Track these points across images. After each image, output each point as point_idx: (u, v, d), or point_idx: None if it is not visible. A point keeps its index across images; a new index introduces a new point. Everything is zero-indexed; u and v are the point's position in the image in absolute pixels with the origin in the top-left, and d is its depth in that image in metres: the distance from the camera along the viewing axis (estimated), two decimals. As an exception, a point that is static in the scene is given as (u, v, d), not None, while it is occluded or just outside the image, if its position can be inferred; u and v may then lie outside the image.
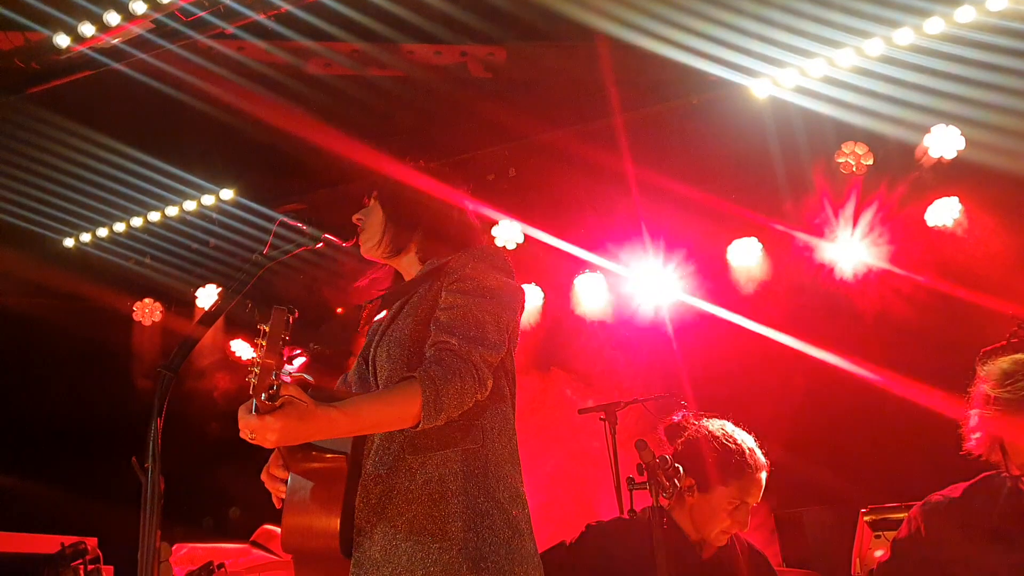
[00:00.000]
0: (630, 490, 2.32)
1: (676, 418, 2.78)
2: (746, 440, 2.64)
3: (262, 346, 1.48)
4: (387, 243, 2.16)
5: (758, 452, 2.62)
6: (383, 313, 2.12)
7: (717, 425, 2.67)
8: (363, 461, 1.85)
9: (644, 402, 3.86)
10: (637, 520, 2.52)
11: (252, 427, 1.58)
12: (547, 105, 5.03)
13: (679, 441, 2.70)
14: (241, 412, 1.63)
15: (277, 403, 1.53)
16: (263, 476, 1.96)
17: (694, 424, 2.71)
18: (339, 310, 5.56)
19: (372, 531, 1.80)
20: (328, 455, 1.74)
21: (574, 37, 4.69)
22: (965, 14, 4.29)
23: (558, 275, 5.73)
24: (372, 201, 2.20)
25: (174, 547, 3.82)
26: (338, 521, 1.74)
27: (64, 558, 3.47)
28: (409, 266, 2.18)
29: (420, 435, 1.79)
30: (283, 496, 1.90)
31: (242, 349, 6.21)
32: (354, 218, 2.19)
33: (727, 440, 2.61)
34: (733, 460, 2.57)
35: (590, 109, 5.10)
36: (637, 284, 5.53)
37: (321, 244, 2.08)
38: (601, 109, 5.05)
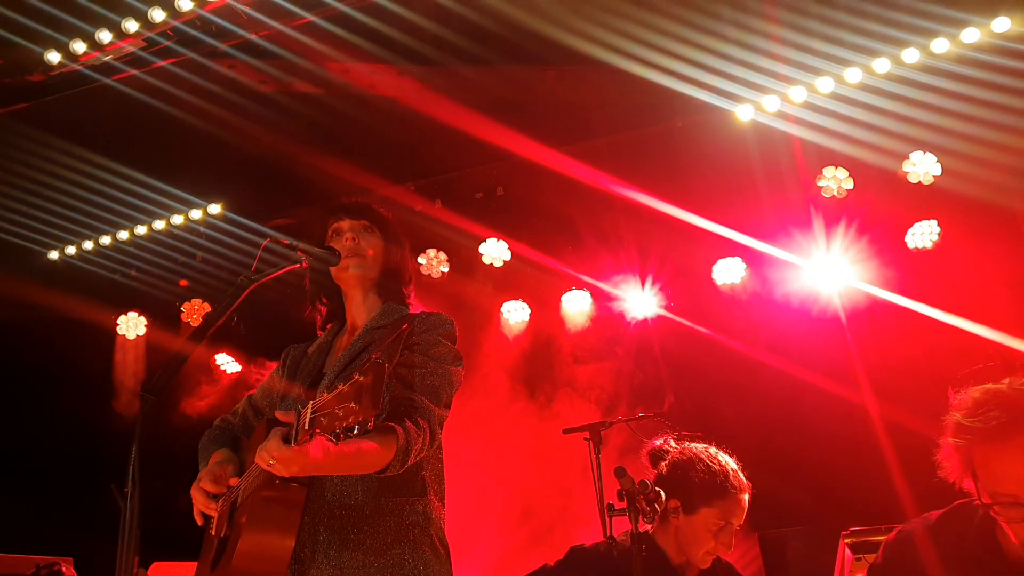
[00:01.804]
0: (609, 516, 2.35)
1: (658, 442, 2.80)
2: (728, 462, 2.66)
3: (357, 394, 1.55)
4: (376, 273, 2.23)
5: (740, 474, 2.65)
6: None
7: (700, 448, 2.70)
8: (323, 493, 1.99)
9: (629, 422, 3.79)
10: (619, 545, 2.55)
11: (284, 457, 1.68)
12: (535, 126, 5.05)
13: (662, 464, 2.72)
14: (272, 440, 1.72)
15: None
16: (193, 491, 2.07)
17: (676, 447, 2.74)
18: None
19: (327, 554, 1.93)
20: (292, 484, 1.85)
21: (562, 60, 4.73)
22: (940, 46, 4.39)
23: (544, 293, 5.75)
24: (370, 226, 2.25)
25: (150, 568, 3.76)
26: (292, 545, 1.86)
27: (39, 579, 3.40)
28: (368, 303, 2.24)
29: (374, 478, 1.93)
30: (213, 514, 2.04)
31: (226, 363, 6.18)
32: (347, 237, 2.21)
33: (711, 462, 2.62)
34: (717, 481, 2.59)
35: (577, 130, 5.14)
36: (623, 302, 5.54)
37: (306, 264, 2.19)
38: (587, 130, 5.10)
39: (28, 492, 5.33)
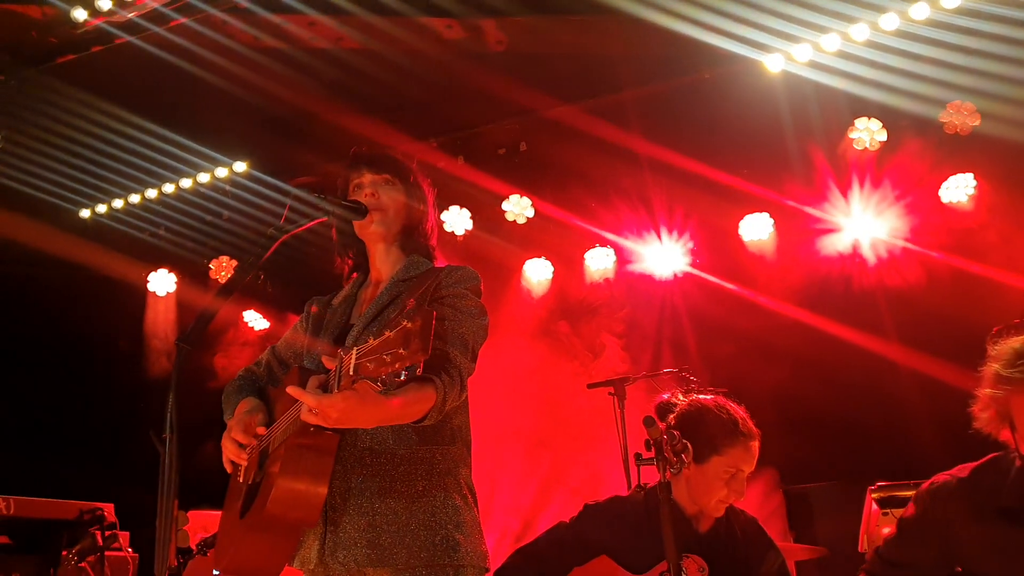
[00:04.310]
0: (638, 466, 2.33)
1: (666, 396, 2.79)
2: (736, 410, 2.65)
3: (404, 339, 1.54)
4: (399, 227, 2.19)
5: (748, 422, 2.64)
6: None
7: (708, 398, 2.69)
8: (356, 441, 1.99)
9: (653, 377, 3.86)
10: (631, 498, 2.56)
11: (323, 404, 1.67)
12: (558, 80, 4.99)
13: (671, 417, 2.70)
14: (311, 387, 1.73)
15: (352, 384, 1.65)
16: (224, 441, 2.06)
17: (684, 400, 2.72)
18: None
19: (359, 501, 1.95)
20: (326, 432, 1.83)
21: (585, 11, 4.62)
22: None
23: (568, 249, 5.73)
24: (392, 179, 2.20)
25: (189, 513, 3.88)
26: (325, 492, 1.86)
27: (82, 523, 3.54)
28: (391, 257, 2.22)
29: (408, 426, 1.94)
30: (243, 463, 2.04)
31: (254, 319, 6.23)
32: (366, 192, 2.18)
33: (719, 411, 2.61)
34: (726, 429, 2.58)
35: (601, 84, 5.06)
36: (647, 259, 5.52)
37: (334, 219, 2.15)
38: (612, 84, 5.01)
39: (68, 442, 5.49)
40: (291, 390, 1.74)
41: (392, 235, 2.19)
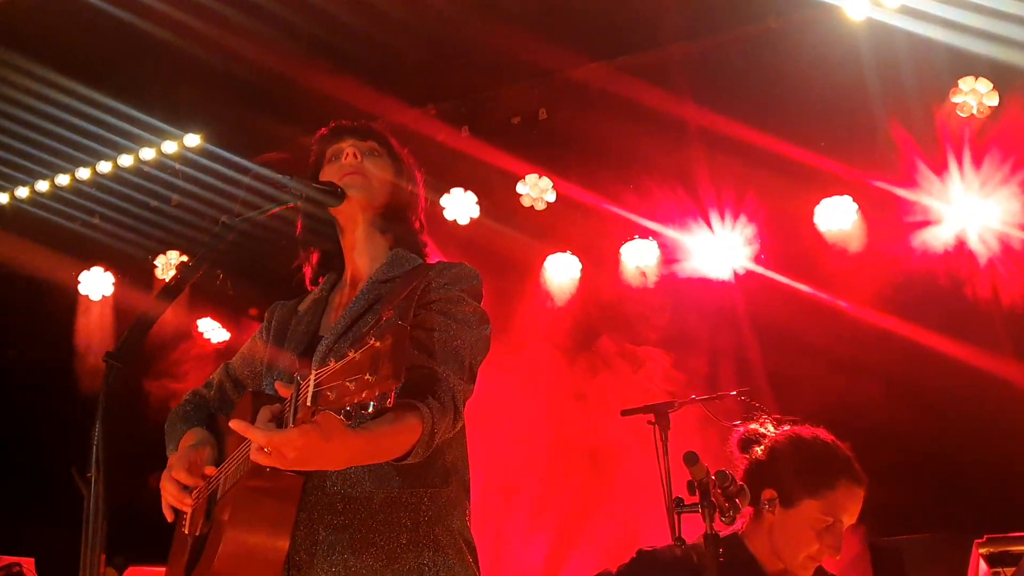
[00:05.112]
0: (678, 513, 2.37)
1: (753, 426, 2.82)
2: (842, 448, 2.67)
3: (372, 362, 1.54)
4: (384, 202, 2.24)
5: (855, 463, 2.65)
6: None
7: (805, 430, 2.71)
8: (324, 483, 1.98)
9: (704, 401, 3.81)
10: (697, 548, 2.52)
11: (275, 442, 1.65)
12: (586, 33, 4.99)
13: (756, 449, 2.73)
14: (262, 420, 1.73)
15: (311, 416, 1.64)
16: (164, 482, 2.06)
17: (774, 430, 2.75)
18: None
19: (329, 557, 1.94)
20: (286, 472, 1.80)
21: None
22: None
23: (599, 242, 5.73)
24: (378, 149, 2.27)
25: (126, 572, 3.90)
26: (287, 543, 1.86)
27: (-7, 584, 3.55)
28: (371, 248, 2.25)
29: (388, 465, 1.93)
30: (186, 509, 2.05)
31: (211, 329, 6.28)
32: (347, 154, 2.23)
33: (820, 444, 2.64)
34: (825, 467, 2.59)
35: (640, 38, 5.05)
36: (699, 254, 5.50)
37: (303, 203, 2.14)
38: (653, 37, 5.00)
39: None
40: (235, 424, 1.73)
41: (374, 212, 2.23)
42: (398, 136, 2.41)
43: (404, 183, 2.28)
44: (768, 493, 2.61)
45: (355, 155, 2.23)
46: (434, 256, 2.30)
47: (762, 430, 2.78)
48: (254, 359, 2.34)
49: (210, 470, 2.04)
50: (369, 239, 2.25)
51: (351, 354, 1.56)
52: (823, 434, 2.67)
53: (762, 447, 2.71)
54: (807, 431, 2.68)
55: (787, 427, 2.75)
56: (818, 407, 3.01)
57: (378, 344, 1.53)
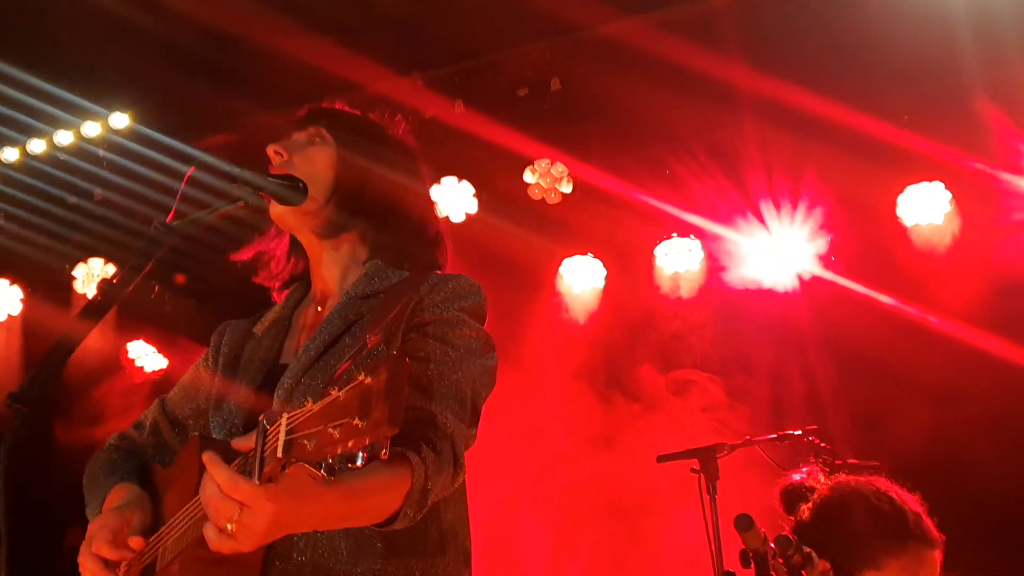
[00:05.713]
0: None
1: (797, 476, 2.88)
2: (909, 502, 2.72)
3: (361, 404, 1.51)
4: (332, 210, 2.21)
5: (926, 520, 2.70)
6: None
7: (862, 482, 2.77)
8: (290, 553, 1.97)
9: (760, 443, 3.90)
10: None
11: (248, 496, 1.59)
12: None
13: (804, 508, 2.79)
14: (223, 476, 1.62)
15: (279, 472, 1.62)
16: (82, 557, 2.03)
17: (826, 482, 2.81)
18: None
19: None
20: None
21: None
22: None
23: (628, 242, 5.75)
24: (322, 131, 2.28)
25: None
26: None
27: None
28: (341, 255, 2.26)
29: (371, 531, 1.91)
30: None
31: (144, 355, 6.26)
32: (272, 150, 2.23)
33: (879, 501, 2.69)
34: (889, 529, 2.64)
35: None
36: (752, 256, 5.51)
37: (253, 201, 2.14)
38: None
39: None
40: (207, 459, 1.65)
41: (325, 225, 2.22)
42: (379, 109, 2.40)
43: (364, 165, 2.24)
44: (821, 565, 2.61)
45: (277, 152, 2.22)
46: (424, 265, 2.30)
47: (810, 481, 2.84)
48: (198, 393, 2.35)
49: (137, 543, 2.01)
50: (334, 248, 2.25)
51: (334, 392, 1.53)
52: (883, 484, 2.72)
53: (810, 504, 2.78)
54: (865, 484, 2.73)
55: (841, 478, 2.80)
56: (908, 447, 2.90)
57: (369, 380, 1.50)
